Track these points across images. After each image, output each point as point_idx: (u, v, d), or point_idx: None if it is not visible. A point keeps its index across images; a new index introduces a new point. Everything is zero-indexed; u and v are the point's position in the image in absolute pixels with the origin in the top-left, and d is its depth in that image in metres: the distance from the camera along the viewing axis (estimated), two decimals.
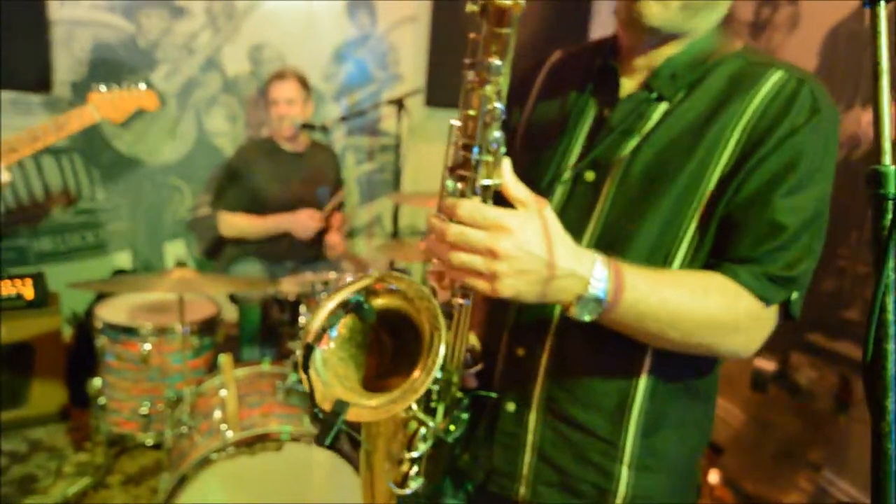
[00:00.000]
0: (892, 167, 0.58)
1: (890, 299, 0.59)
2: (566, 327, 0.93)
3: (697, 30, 0.89)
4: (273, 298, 2.48)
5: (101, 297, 2.79)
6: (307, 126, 2.90)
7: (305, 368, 0.81)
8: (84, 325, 2.91)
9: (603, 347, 0.91)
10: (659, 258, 0.88)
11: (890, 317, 0.59)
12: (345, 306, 0.83)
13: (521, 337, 0.97)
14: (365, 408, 0.80)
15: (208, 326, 2.46)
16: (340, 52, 3.47)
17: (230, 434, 1.76)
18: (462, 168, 0.77)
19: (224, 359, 1.99)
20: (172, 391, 2.01)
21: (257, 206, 2.88)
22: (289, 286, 2.43)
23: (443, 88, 3.60)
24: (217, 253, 3.29)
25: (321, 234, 2.96)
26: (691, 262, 0.88)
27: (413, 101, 3.34)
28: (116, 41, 3.07)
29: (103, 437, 2.44)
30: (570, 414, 0.95)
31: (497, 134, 0.75)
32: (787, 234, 0.83)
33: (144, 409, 2.32)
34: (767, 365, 2.72)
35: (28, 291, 2.69)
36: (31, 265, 3.04)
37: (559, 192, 0.95)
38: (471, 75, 0.74)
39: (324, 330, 0.83)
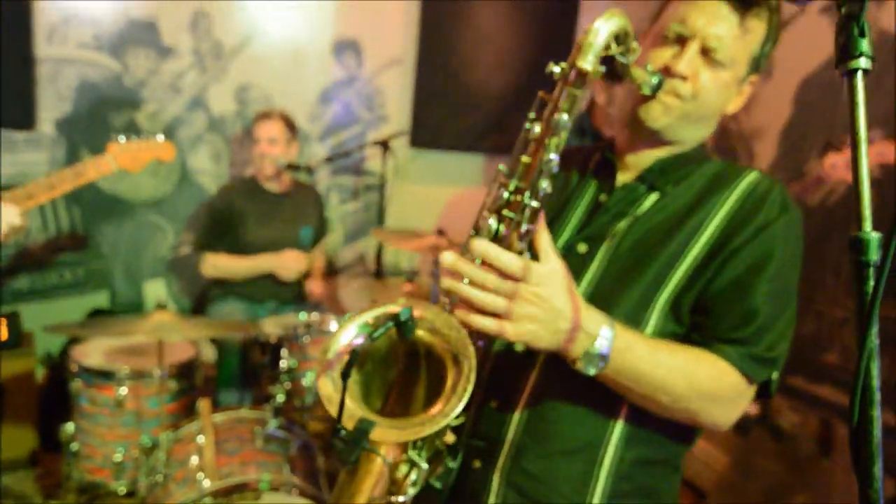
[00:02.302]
0: (874, 234, 0.59)
1: (874, 365, 0.59)
2: (543, 383, 0.96)
3: (687, 141, 1.02)
4: (254, 340, 2.44)
5: (76, 337, 2.72)
6: (292, 167, 2.91)
7: (346, 376, 0.78)
8: (57, 367, 2.84)
9: (577, 405, 0.95)
10: (635, 323, 0.93)
11: (874, 382, 0.59)
12: (393, 317, 0.81)
13: (496, 390, 0.99)
14: (391, 428, 0.79)
15: (187, 369, 2.41)
16: (327, 93, 3.50)
17: (207, 483, 1.71)
18: (508, 209, 0.85)
19: (202, 404, 1.94)
20: (147, 437, 1.96)
21: (240, 247, 2.86)
22: (270, 328, 2.39)
23: (427, 130, 3.64)
24: (197, 293, 3.25)
25: (304, 276, 2.93)
26: (661, 329, 0.94)
27: (398, 142, 3.37)
28: (102, 80, 3.07)
29: (74, 484, 2.35)
30: (538, 470, 0.96)
31: (546, 184, 0.84)
32: (765, 319, 0.91)
33: (118, 456, 2.24)
34: (749, 408, 2.73)
35: (2, 332, 2.62)
36: (5, 304, 2.97)
37: None
38: (536, 127, 0.85)
39: (372, 339, 0.81)
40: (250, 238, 2.86)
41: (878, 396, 0.59)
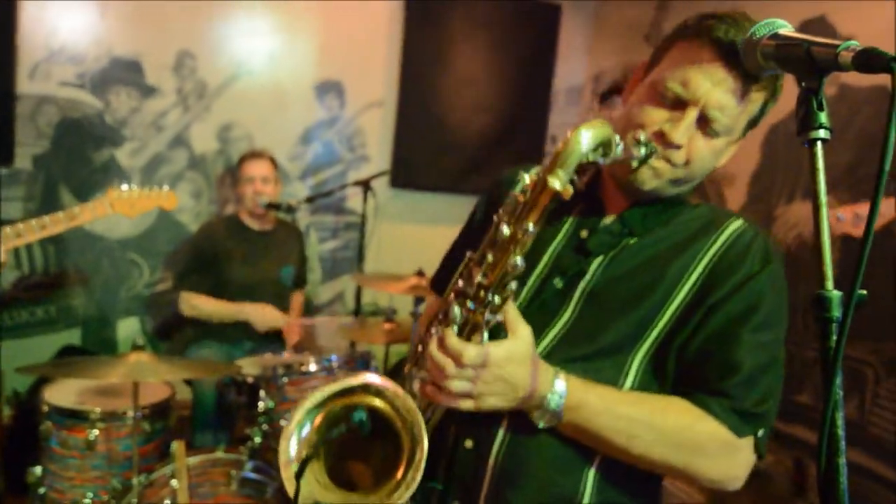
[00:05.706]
0: (836, 292, 0.63)
1: (839, 415, 0.63)
2: (518, 421, 0.96)
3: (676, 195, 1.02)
4: (230, 380, 2.41)
5: (46, 376, 2.66)
6: (272, 205, 2.92)
7: (299, 477, 0.81)
8: (25, 406, 2.76)
9: (552, 442, 0.95)
10: (616, 368, 0.95)
11: (840, 432, 0.63)
12: (347, 422, 0.85)
13: (470, 428, 0.99)
14: None
15: (161, 410, 2.36)
16: (309, 133, 3.54)
17: None
18: (473, 301, 0.87)
19: (177, 446, 1.91)
20: (119, 481, 1.91)
21: (222, 285, 2.84)
22: (248, 368, 2.37)
23: (408, 170, 3.70)
24: (172, 331, 3.20)
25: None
26: (642, 377, 0.95)
27: (378, 182, 3.41)
28: (83, 117, 3.07)
29: None
30: None
31: (514, 285, 0.86)
32: (749, 372, 0.91)
33: (87, 501, 2.18)
34: None
35: None
36: None
37: (524, 293, 1.01)
38: (505, 229, 0.86)
39: (325, 441, 0.85)
40: (233, 276, 2.85)
41: (843, 445, 0.62)
